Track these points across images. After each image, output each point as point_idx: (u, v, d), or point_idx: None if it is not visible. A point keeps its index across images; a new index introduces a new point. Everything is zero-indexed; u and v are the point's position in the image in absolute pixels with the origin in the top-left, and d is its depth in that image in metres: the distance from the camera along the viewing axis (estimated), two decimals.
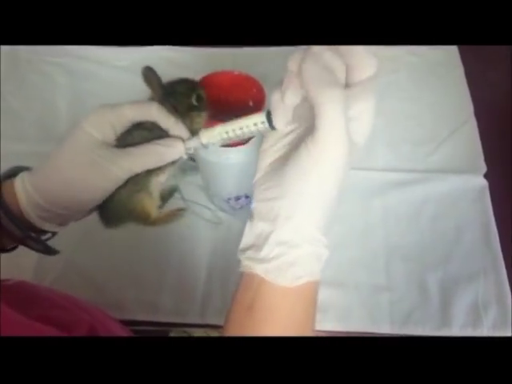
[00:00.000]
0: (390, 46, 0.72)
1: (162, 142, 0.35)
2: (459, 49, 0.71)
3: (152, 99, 0.37)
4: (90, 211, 0.36)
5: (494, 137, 0.63)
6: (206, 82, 0.44)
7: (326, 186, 0.28)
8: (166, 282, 0.55)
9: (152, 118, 0.35)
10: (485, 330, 0.51)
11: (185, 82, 0.39)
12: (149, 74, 0.38)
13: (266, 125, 0.31)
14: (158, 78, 0.38)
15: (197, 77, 0.44)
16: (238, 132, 0.32)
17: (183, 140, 0.36)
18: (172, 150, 0.35)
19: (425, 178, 0.61)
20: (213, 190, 0.57)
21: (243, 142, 0.43)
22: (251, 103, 0.46)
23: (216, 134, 0.33)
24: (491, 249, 0.55)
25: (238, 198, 0.55)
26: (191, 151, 0.36)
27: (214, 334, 0.52)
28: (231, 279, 0.48)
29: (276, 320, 0.30)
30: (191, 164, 0.53)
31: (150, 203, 0.38)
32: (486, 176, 0.60)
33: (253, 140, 0.43)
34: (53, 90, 0.71)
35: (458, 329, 0.51)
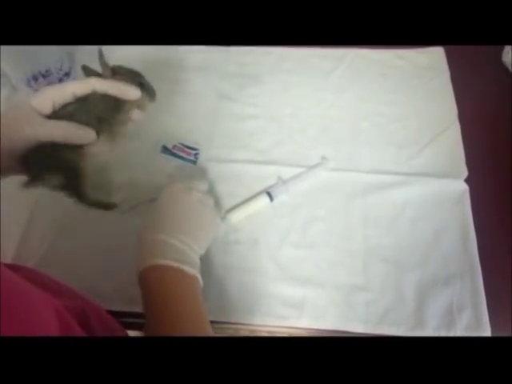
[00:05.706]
0: (378, 50, 0.73)
1: (77, 126, 0.43)
2: (446, 53, 0.72)
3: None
4: (17, 165, 0.42)
5: (476, 142, 0.63)
6: None
7: None
8: None
9: (92, 88, 0.43)
10: (458, 333, 0.51)
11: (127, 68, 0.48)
12: (100, 56, 0.45)
13: None
14: (105, 60, 0.46)
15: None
16: None
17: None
18: (82, 135, 0.43)
19: (406, 181, 0.61)
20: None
21: None
22: None
23: None
24: (468, 253, 0.56)
25: (35, 78, 0.60)
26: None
27: None
28: (205, 272, 0.48)
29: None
30: None
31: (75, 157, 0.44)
32: (467, 181, 0.60)
33: None
34: None
35: (431, 330, 0.51)
